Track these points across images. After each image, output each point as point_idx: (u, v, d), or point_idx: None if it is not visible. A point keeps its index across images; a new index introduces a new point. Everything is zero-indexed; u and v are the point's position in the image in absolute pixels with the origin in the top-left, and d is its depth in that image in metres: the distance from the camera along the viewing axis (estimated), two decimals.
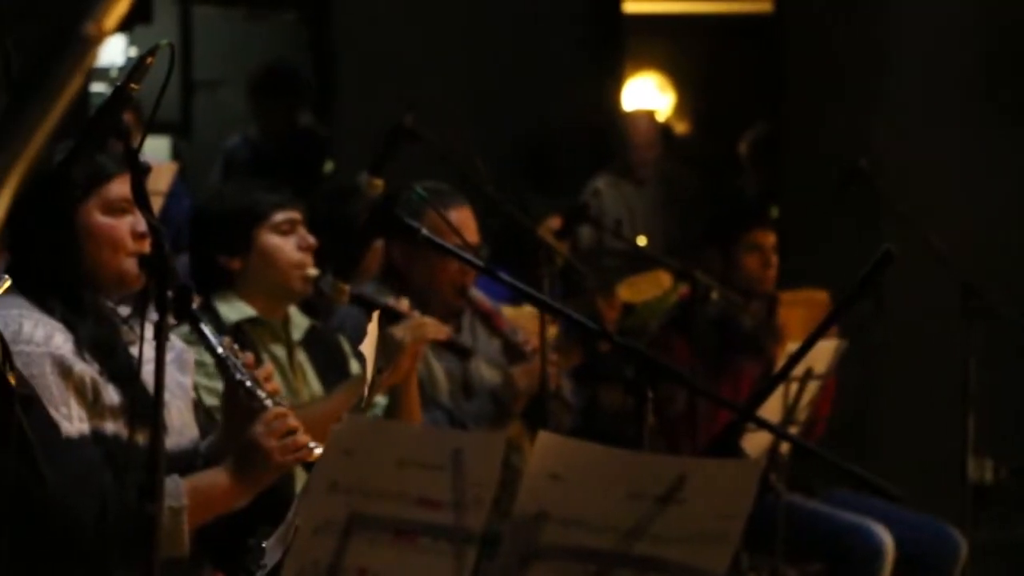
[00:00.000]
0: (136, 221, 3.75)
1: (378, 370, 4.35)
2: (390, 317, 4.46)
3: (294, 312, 4.65)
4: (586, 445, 2.04)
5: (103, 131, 3.24)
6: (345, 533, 2.05)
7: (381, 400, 4.78)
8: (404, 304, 4.59)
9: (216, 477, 3.68)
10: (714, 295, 5.51)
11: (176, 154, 10.50)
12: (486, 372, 5.33)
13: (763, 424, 3.82)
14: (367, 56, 9.60)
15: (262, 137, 9.03)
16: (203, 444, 3.87)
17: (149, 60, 3.21)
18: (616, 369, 6.38)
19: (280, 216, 4.52)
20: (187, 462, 3.77)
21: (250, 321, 4.51)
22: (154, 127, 3.42)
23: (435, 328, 4.48)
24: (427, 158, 4.74)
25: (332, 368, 4.50)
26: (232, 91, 10.18)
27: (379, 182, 4.72)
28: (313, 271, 4.50)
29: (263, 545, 3.05)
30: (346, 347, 4.71)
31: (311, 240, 4.54)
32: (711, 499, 1.97)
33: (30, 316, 3.63)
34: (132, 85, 3.21)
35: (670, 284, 6.96)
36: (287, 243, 4.51)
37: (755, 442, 4.78)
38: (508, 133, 9.38)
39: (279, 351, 4.58)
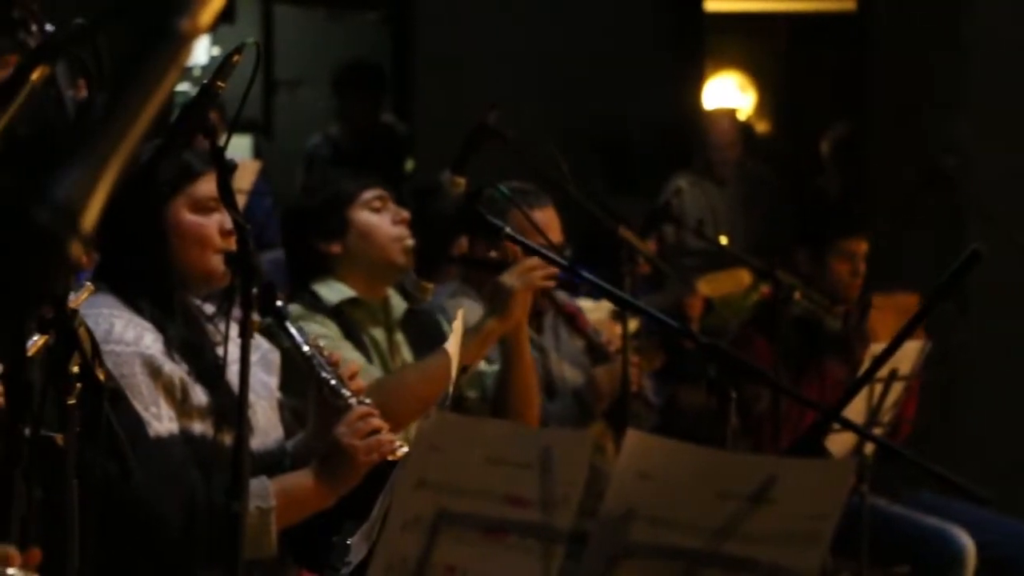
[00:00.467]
0: (223, 219, 3.78)
1: (488, 318, 4.37)
2: (496, 270, 4.44)
3: (392, 294, 4.64)
4: (675, 444, 2.03)
5: (190, 129, 3.26)
6: (433, 530, 2.05)
7: (489, 368, 4.77)
8: (509, 251, 4.56)
9: (303, 478, 3.69)
10: (797, 296, 5.47)
11: (258, 152, 10.57)
12: (568, 372, 5.32)
13: (848, 425, 3.78)
14: (447, 55, 9.62)
15: (343, 135, 9.07)
16: (290, 443, 3.89)
17: (235, 59, 3.23)
18: (698, 369, 6.36)
19: (369, 194, 4.52)
20: (273, 462, 3.79)
21: (350, 303, 4.51)
22: (237, 126, 3.44)
23: (544, 270, 4.44)
24: (509, 157, 4.73)
25: (431, 348, 4.48)
26: (313, 90, 10.23)
27: (461, 180, 4.72)
28: (411, 241, 4.49)
29: (348, 542, 3.05)
30: (445, 327, 4.71)
31: (404, 213, 4.54)
32: (802, 499, 1.95)
33: (121, 316, 3.65)
34: (219, 83, 3.23)
35: (750, 282, 6.92)
36: (382, 219, 4.51)
37: (839, 443, 4.74)
38: (588, 132, 9.37)
39: (378, 333, 4.58)
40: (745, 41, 10.23)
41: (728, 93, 10.13)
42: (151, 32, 1.33)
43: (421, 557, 2.10)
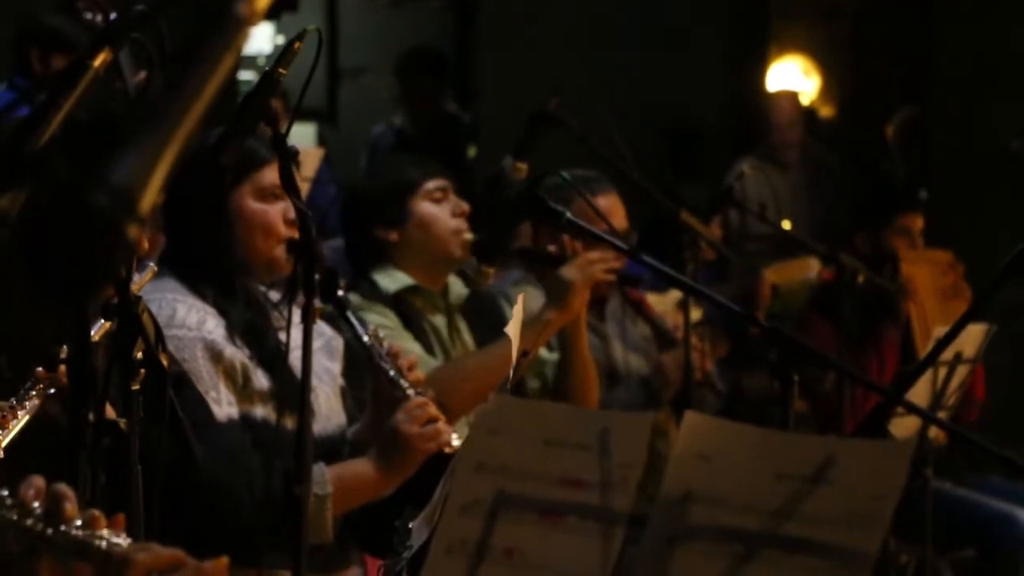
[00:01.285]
0: (286, 207, 3.80)
1: (547, 309, 4.37)
2: (555, 263, 4.45)
3: (452, 281, 4.65)
4: (734, 425, 2.03)
5: (253, 117, 3.27)
6: (492, 513, 2.06)
7: (550, 356, 4.77)
8: (568, 245, 4.57)
9: (361, 466, 3.71)
10: (860, 279, 5.44)
11: (321, 140, 10.60)
12: (632, 360, 5.31)
13: (913, 408, 3.77)
14: (510, 42, 9.62)
15: (407, 123, 9.08)
16: (349, 431, 3.91)
17: (297, 45, 3.24)
18: (762, 354, 6.34)
19: (431, 184, 4.53)
20: (333, 448, 3.81)
21: (409, 290, 4.52)
22: (300, 114, 3.46)
23: (604, 263, 4.44)
24: (572, 144, 4.73)
25: (492, 334, 4.49)
26: (376, 78, 10.25)
27: (523, 166, 4.73)
28: (469, 235, 4.50)
29: (409, 526, 3.07)
30: (507, 311, 4.72)
31: (465, 206, 4.55)
32: (862, 480, 1.94)
33: (184, 301, 3.68)
34: (280, 70, 3.24)
35: (818, 269, 6.89)
36: (442, 210, 4.52)
37: (903, 427, 4.71)
38: (653, 117, 9.35)
39: (438, 320, 4.59)
40: (810, 25, 10.17)
41: (792, 77, 10.08)
42: (209, 16, 1.34)
43: (480, 540, 2.11)
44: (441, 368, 4.35)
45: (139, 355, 2.67)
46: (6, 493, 1.93)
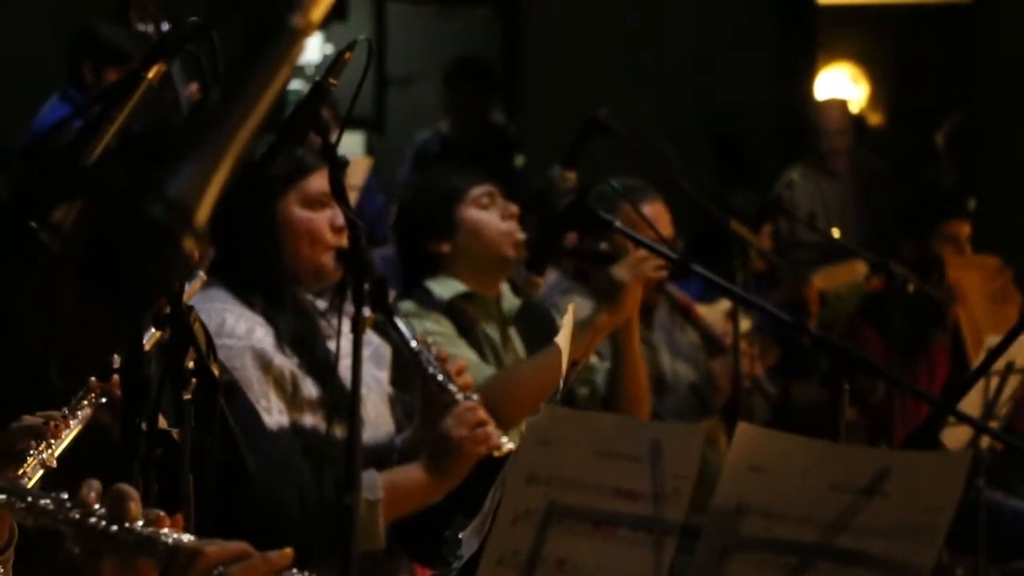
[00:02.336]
0: (334, 215, 3.80)
1: (599, 311, 4.35)
2: (607, 262, 4.42)
3: (505, 289, 4.65)
4: (787, 436, 2.02)
5: (303, 126, 3.28)
6: (544, 523, 2.05)
7: (600, 364, 4.75)
8: (620, 244, 4.55)
9: (411, 471, 3.71)
10: (911, 288, 5.42)
11: (370, 149, 10.62)
12: (680, 368, 5.29)
13: (964, 418, 3.74)
14: (556, 51, 9.62)
15: (453, 131, 9.09)
16: (398, 439, 3.91)
17: (347, 55, 3.25)
18: (812, 363, 6.32)
19: (477, 191, 4.52)
20: (382, 456, 3.81)
21: (463, 298, 4.51)
22: (349, 122, 3.46)
23: (656, 263, 4.41)
24: (618, 152, 4.71)
25: (544, 345, 4.48)
26: (424, 87, 10.27)
27: (571, 175, 4.71)
28: (521, 235, 4.49)
29: (459, 536, 3.06)
30: (559, 321, 4.70)
31: (513, 208, 4.54)
32: (917, 491, 1.93)
33: (232, 310, 3.69)
34: (331, 80, 3.25)
35: (865, 274, 6.86)
36: (491, 215, 4.51)
37: (954, 437, 4.68)
38: (700, 125, 9.34)
39: (491, 328, 4.58)
40: (858, 33, 10.14)
41: (840, 85, 10.06)
42: (264, 29, 1.34)
43: (532, 551, 2.10)
44: (495, 376, 4.34)
45: (191, 365, 2.68)
46: (66, 495, 1.94)
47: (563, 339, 3.09)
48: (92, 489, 1.91)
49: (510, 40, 10.33)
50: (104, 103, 2.20)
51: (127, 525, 1.95)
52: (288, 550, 2.06)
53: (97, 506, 1.90)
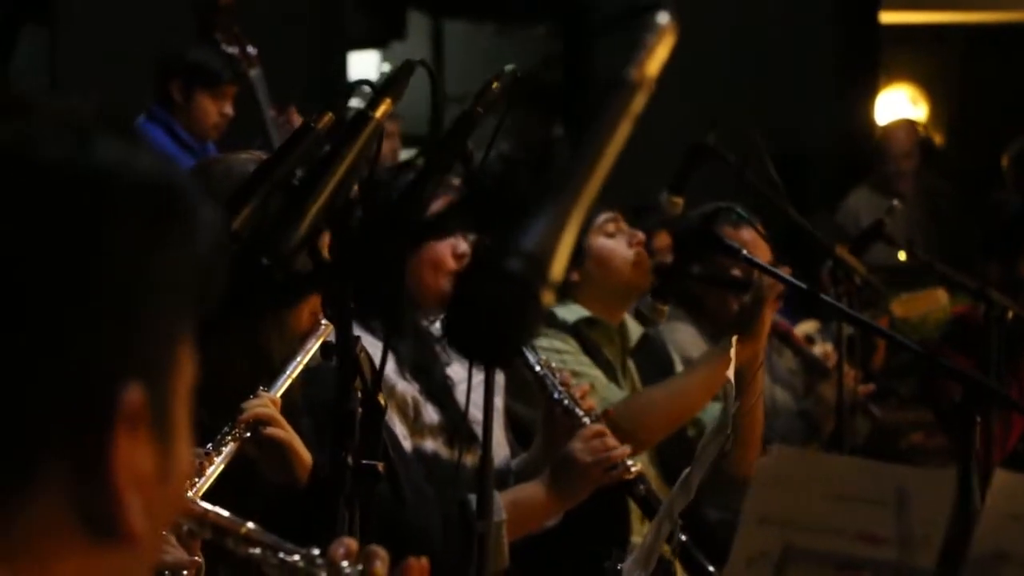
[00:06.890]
0: (456, 241, 3.80)
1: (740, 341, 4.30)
2: (740, 288, 4.37)
3: (628, 319, 4.62)
4: None
5: (448, 155, 3.26)
6: (780, 566, 2.04)
7: (714, 406, 4.70)
8: (747, 271, 4.46)
9: (532, 490, 3.71)
10: (1010, 314, 5.39)
11: None
12: (779, 395, 5.26)
13: None
14: (616, 69, 9.60)
15: (514, 150, 9.09)
16: (514, 462, 3.90)
17: (494, 85, 3.24)
18: (893, 386, 6.30)
19: (602, 218, 4.50)
20: (500, 480, 3.81)
21: (587, 323, 4.49)
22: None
23: (776, 288, 4.30)
24: (717, 177, 4.70)
25: (660, 376, 4.46)
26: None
27: (679, 200, 4.69)
28: (650, 262, 4.47)
29: (619, 567, 3.06)
30: (674, 355, 4.68)
31: (640, 235, 4.51)
32: None
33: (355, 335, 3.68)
34: (478, 108, 3.24)
35: (946, 301, 6.83)
36: (618, 243, 4.48)
37: None
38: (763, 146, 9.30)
39: (613, 355, 4.55)
40: (918, 53, 10.13)
41: (900, 106, 10.04)
42: (607, 84, 1.38)
43: None
44: (625, 400, 4.32)
45: (358, 394, 2.67)
46: (317, 552, 1.93)
47: (731, 371, 3.08)
48: (342, 546, 1.89)
49: (569, 58, 10.32)
50: (334, 142, 2.20)
51: None
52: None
53: (346, 564, 1.88)
